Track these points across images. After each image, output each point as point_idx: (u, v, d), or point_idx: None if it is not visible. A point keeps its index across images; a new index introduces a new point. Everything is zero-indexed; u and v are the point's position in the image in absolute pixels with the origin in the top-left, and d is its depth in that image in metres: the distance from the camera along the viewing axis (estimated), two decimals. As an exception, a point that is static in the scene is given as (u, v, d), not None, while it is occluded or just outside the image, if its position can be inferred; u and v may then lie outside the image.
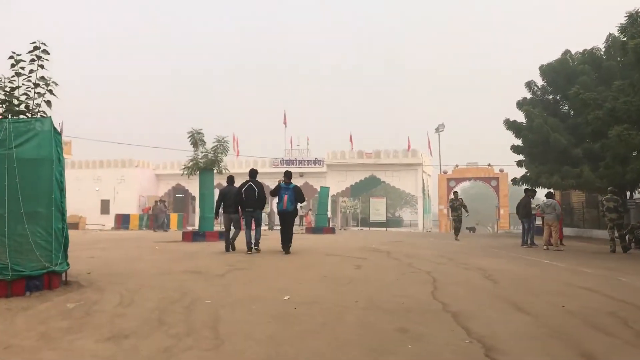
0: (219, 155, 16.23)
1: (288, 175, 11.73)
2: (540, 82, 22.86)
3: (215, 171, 16.45)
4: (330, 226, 27.66)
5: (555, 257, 11.93)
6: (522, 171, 25.88)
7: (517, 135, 22.28)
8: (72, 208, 39.21)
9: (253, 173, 11.79)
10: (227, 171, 16.74)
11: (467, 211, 19.13)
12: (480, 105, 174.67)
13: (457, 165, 40.62)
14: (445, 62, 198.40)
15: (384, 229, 37.51)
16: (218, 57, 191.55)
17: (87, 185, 42.74)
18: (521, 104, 22.25)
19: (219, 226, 15.61)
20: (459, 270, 9.08)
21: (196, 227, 42.27)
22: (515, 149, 23.73)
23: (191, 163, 16.29)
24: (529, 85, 22.82)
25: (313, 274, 8.38)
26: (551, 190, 16.58)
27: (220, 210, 12.35)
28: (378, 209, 39.21)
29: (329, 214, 31.41)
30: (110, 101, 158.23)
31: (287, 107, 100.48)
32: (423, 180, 39.67)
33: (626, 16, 12.93)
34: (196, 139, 16.30)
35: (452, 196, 19.38)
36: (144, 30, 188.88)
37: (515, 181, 24.01)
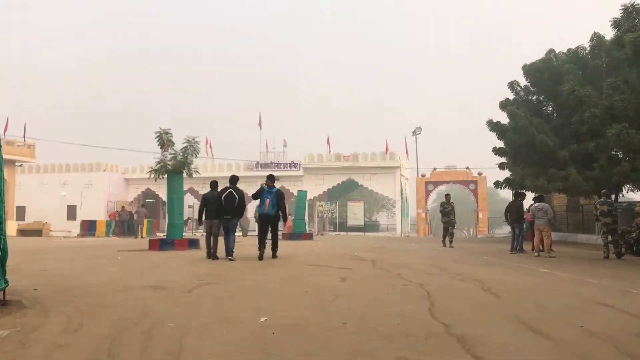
0: (188, 157, 15.13)
1: (271, 178, 11.63)
2: (523, 82, 22.28)
3: (184, 174, 15.34)
4: (308, 231, 26.65)
5: (550, 264, 11.16)
6: (504, 174, 25.32)
7: (501, 137, 21.65)
8: (37, 214, 37.75)
9: (234, 180, 11.72)
10: (197, 174, 15.69)
11: (454, 219, 18.05)
12: (457, 108, 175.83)
13: (435, 169, 40.05)
14: (422, 64, 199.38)
15: (362, 233, 36.73)
16: (189, 56, 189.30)
17: (52, 190, 41.07)
18: (504, 105, 21.62)
19: (191, 233, 14.70)
20: (454, 282, 8.20)
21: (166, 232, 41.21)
22: (497, 151, 23.12)
23: (159, 165, 15.16)
24: (512, 85, 22.22)
25: (294, 289, 7.41)
26: (542, 194, 15.85)
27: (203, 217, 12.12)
28: (356, 213, 38.35)
29: (306, 218, 30.45)
30: (74, 100, 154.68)
31: (262, 108, 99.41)
32: (401, 183, 39.00)
33: (621, 9, 12.30)
34: (164, 140, 15.18)
35: (443, 199, 18.08)
36: (111, 25, 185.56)
37: (497, 184, 23.38)
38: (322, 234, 35.73)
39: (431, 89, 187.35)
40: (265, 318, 5.48)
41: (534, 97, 22.36)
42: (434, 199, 42.96)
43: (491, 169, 39.33)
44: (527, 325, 5.21)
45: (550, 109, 21.93)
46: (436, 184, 39.86)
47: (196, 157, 15.41)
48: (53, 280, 8.08)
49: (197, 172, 15.50)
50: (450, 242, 17.26)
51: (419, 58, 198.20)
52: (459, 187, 42.02)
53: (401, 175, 39.09)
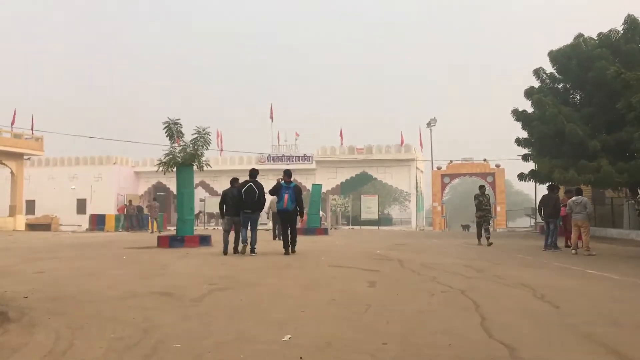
0: (199, 148, 14.24)
1: (288, 174, 11.52)
2: (549, 69, 21.15)
3: (195, 167, 14.46)
4: (322, 226, 25.79)
5: (596, 264, 10.17)
6: (526, 166, 24.25)
7: (526, 127, 20.58)
8: (46, 208, 37.22)
9: (254, 173, 11.45)
10: (209, 167, 14.81)
11: (490, 214, 16.22)
12: (475, 99, 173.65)
13: (451, 161, 38.96)
14: (437, 55, 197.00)
15: (376, 227, 35.81)
16: (201, 49, 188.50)
17: (62, 183, 40.51)
18: (530, 93, 20.50)
19: (202, 227, 13.88)
20: (499, 287, 7.24)
21: (178, 227, 40.49)
22: (520, 142, 22.05)
23: (167, 158, 14.28)
24: (537, 73, 21.09)
25: (318, 296, 6.49)
26: (578, 187, 14.77)
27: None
28: (369, 206, 37.39)
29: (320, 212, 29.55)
30: (84, 93, 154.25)
31: (273, 100, 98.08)
32: (416, 176, 37.97)
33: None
34: (173, 131, 14.29)
35: (477, 191, 16.17)
36: (122, 19, 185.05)
37: (522, 177, 22.31)
38: (335, 228, 34.85)
39: (445, 79, 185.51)
40: (289, 336, 4.59)
41: (561, 85, 21.24)
42: (446, 191, 41.91)
43: (510, 160, 38.30)
44: (608, 348, 4.27)
45: (578, 97, 20.79)
46: (452, 176, 38.80)
47: (207, 149, 14.53)
48: (48, 286, 7.22)
49: (208, 164, 14.63)
50: (488, 238, 15.15)
51: (435, 47, 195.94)
52: (470, 181, 41.01)
53: (416, 168, 38.05)
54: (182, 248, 13.31)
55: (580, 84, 19.92)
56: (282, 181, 11.41)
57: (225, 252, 11.34)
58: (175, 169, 14.34)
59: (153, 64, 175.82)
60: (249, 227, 11.33)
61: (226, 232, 11.73)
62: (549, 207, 13.46)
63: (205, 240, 14.07)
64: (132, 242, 16.55)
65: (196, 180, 41.34)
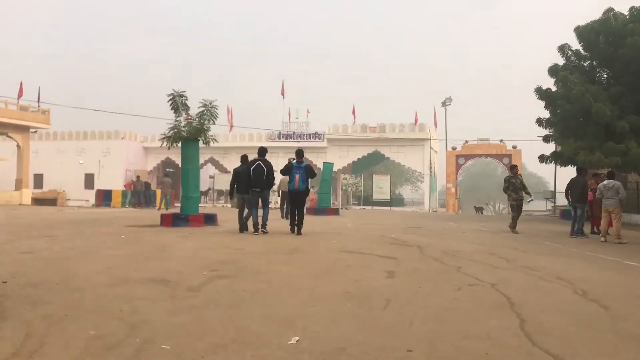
0: (205, 122, 13.48)
1: (299, 154, 11.49)
2: (575, 46, 20.06)
3: (201, 142, 13.72)
4: (333, 206, 25.07)
5: (630, 254, 9.35)
6: (546, 148, 23.31)
7: (549, 106, 19.59)
8: (54, 182, 36.77)
9: (262, 151, 11.44)
10: (215, 142, 14.06)
11: (529, 194, 14.52)
12: (492, 78, 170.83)
13: (466, 141, 37.96)
14: (453, 32, 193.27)
15: (388, 208, 35.08)
16: (212, 23, 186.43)
17: (70, 158, 39.99)
18: (554, 71, 19.48)
19: (211, 204, 13.26)
20: (533, 280, 6.46)
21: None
22: (542, 122, 21.05)
23: (172, 132, 13.55)
24: (562, 49, 19.99)
25: (331, 288, 5.76)
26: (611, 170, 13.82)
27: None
28: (381, 187, 36.56)
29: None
30: (92, 65, 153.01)
31: (285, 76, 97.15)
32: (430, 156, 37.04)
33: None
34: (178, 103, 13.52)
35: (509, 173, 14.52)
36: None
37: (543, 159, 21.35)
38: (346, 208, 34.15)
39: (462, 58, 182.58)
40: (297, 338, 3.90)
41: (587, 63, 20.14)
42: (459, 173, 40.90)
43: (527, 142, 37.23)
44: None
45: (605, 75, 19.72)
46: (467, 157, 37.83)
47: (214, 123, 13.76)
48: (33, 268, 6.56)
49: (215, 139, 13.86)
50: (514, 227, 13.57)
51: (450, 25, 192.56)
52: (482, 162, 39.99)
53: (430, 148, 37.09)
54: (186, 227, 12.64)
55: (609, 61, 18.85)
56: (294, 161, 11.36)
57: (241, 230, 11.46)
58: (180, 144, 13.62)
59: (163, 35, 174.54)
60: (260, 205, 11.32)
61: (240, 211, 11.72)
62: (576, 192, 12.60)
63: (210, 219, 13.38)
64: (136, 220, 15.93)
65: (205, 156, 40.81)
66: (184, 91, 13.66)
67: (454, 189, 37.68)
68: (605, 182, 11.73)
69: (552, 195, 31.46)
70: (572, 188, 12.73)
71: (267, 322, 4.32)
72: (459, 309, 4.93)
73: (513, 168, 14.76)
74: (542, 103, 20.27)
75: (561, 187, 31.79)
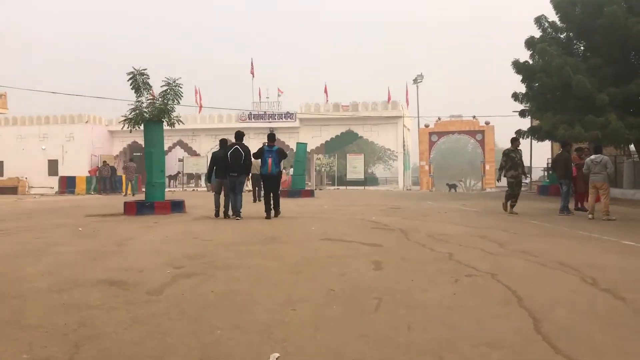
0: (169, 102, 12.57)
1: (271, 137, 11.49)
2: (552, 17, 19.53)
3: (165, 124, 12.82)
4: (307, 187, 24.37)
5: (625, 232, 8.88)
6: (520, 123, 23.02)
7: (527, 80, 19.10)
8: (16, 169, 35.17)
9: (239, 135, 11.33)
10: (181, 124, 13.17)
11: (525, 174, 12.96)
12: (462, 54, 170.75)
13: (439, 118, 37.53)
14: (426, 6, 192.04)
15: (362, 187, 34.54)
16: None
17: (31, 144, 38.34)
18: (531, 43, 18.94)
19: (181, 188, 12.41)
20: (534, 268, 5.86)
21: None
22: (517, 97, 20.59)
23: (134, 113, 12.60)
24: (539, 21, 19.44)
25: (312, 284, 5.07)
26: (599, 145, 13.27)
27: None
28: (355, 166, 35.93)
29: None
30: (45, 47, 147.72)
31: (254, 55, 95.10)
32: (403, 134, 36.52)
33: None
34: (139, 82, 12.57)
35: (509, 146, 12.84)
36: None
37: (519, 134, 20.90)
38: (320, 189, 33.49)
39: (433, 33, 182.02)
40: (277, 355, 3.22)
41: (563, 35, 19.65)
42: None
43: (501, 117, 36.98)
44: None
45: (582, 47, 19.26)
46: (440, 134, 37.44)
47: (178, 103, 12.87)
48: (-31, 272, 5.71)
49: (180, 121, 12.97)
50: (512, 206, 12.37)
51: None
52: (452, 139, 39.68)
53: (404, 125, 36.55)
54: (152, 216, 11.80)
55: (586, 33, 18.37)
56: (265, 145, 11.35)
57: (217, 215, 11.37)
58: (142, 126, 12.70)
59: (126, 12, 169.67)
60: (235, 191, 11.21)
61: (217, 194, 11.64)
62: (561, 168, 12.12)
63: (177, 206, 12.54)
64: (99, 208, 14.99)
65: (173, 139, 39.60)
66: (145, 69, 12.72)
67: (427, 167, 37.33)
68: (592, 156, 11.23)
69: (528, 171, 31.28)
70: (557, 164, 12.24)
71: (239, 334, 3.62)
72: (461, 307, 4.29)
73: (514, 141, 13.01)
74: (517, 78, 19.80)
75: (537, 162, 31.84)
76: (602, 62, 17.38)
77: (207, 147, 38.77)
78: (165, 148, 39.75)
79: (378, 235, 8.19)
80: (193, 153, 39.82)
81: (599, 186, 10.94)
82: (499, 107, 36.76)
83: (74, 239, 8.11)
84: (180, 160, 39.25)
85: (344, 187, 35.22)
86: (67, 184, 28.86)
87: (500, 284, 5.06)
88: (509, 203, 12.43)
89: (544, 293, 4.76)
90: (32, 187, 35.72)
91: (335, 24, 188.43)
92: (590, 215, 11.11)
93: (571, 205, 12.92)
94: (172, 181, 40.92)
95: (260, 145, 11.74)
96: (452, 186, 37.13)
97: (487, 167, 35.87)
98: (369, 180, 39.33)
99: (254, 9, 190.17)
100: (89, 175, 29.80)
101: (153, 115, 12.51)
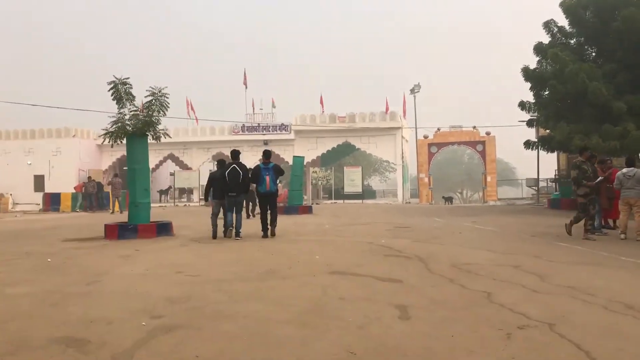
0: (154, 114, 11.43)
1: (267, 154, 11.38)
2: (561, 22, 18.58)
3: (150, 137, 11.67)
4: (305, 203, 23.17)
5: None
6: (522, 133, 22.05)
7: (536, 87, 18.11)
8: (0, 185, 33.77)
9: (236, 154, 11.06)
10: (168, 137, 12.03)
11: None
12: (461, 64, 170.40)
13: (438, 129, 36.48)
14: (424, 16, 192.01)
15: (360, 201, 33.40)
16: (167, 9, 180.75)
17: (17, 158, 36.94)
18: (541, 49, 17.97)
19: (172, 204, 11.19)
20: (599, 313, 4.70)
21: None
22: (525, 105, 19.57)
23: (115, 126, 11.46)
24: (548, 26, 18.47)
25: (326, 346, 3.91)
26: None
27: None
28: (353, 179, 34.79)
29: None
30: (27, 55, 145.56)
31: (247, 66, 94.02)
32: (402, 146, 35.45)
33: None
34: (121, 92, 11.43)
35: (580, 157, 10.71)
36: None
37: (528, 144, 19.90)
38: (317, 203, 32.31)
39: (432, 43, 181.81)
40: None
41: (573, 40, 18.69)
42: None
43: (501, 127, 36.00)
44: None
45: (594, 53, 18.30)
46: (440, 145, 36.34)
47: (164, 114, 11.73)
48: None
49: (167, 134, 11.83)
50: (590, 230, 10.29)
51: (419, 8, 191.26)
52: (448, 150, 38.59)
53: (402, 137, 35.48)
54: (135, 240, 10.59)
55: (598, 37, 17.42)
56: (260, 162, 11.19)
57: (214, 237, 10.90)
58: (125, 141, 11.55)
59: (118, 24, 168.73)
60: (234, 211, 10.86)
61: (214, 216, 11.19)
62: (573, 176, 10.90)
63: (164, 228, 11.32)
64: (79, 230, 13.77)
65: (164, 153, 38.37)
66: (128, 78, 11.58)
67: (426, 179, 36.21)
68: (624, 170, 10.12)
69: (536, 183, 30.23)
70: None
71: None
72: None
73: (584, 151, 10.94)
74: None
75: (545, 173, 30.76)
76: (617, 68, 16.40)
77: (199, 160, 37.60)
78: (156, 162, 39.11)
79: (394, 266, 7.03)
80: (185, 167, 38.60)
81: (633, 203, 9.82)
82: (500, 118, 35.84)
83: (38, 274, 6.90)
84: (172, 174, 38.01)
85: (341, 201, 34.05)
86: (52, 201, 27.57)
87: (565, 340, 3.94)
88: (570, 222, 10.52)
89: (628, 354, 3.64)
90: (17, 203, 34.36)
91: (330, 32, 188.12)
92: (622, 236, 9.98)
93: (579, 223, 11.78)
94: (163, 196, 39.68)
95: (255, 159, 11.31)
96: (448, 199, 35.83)
97: (489, 178, 34.78)
98: (367, 193, 38.15)
99: (247, 19, 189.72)
100: (74, 191, 28.42)
101: (136, 128, 11.37)
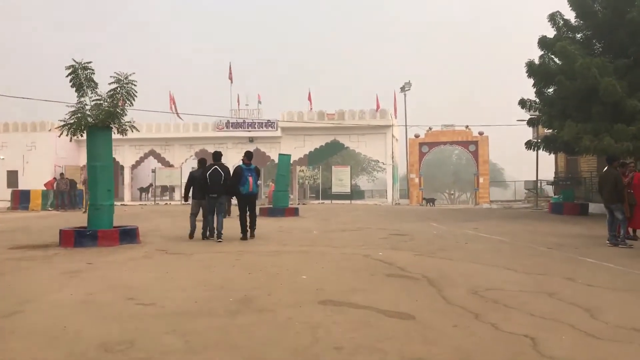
0: (118, 104, 9.98)
1: (249, 155, 11.19)
2: (567, 15, 17.37)
3: (114, 130, 10.20)
4: (291, 204, 21.72)
5: None
6: (516, 133, 20.85)
7: (540, 84, 16.87)
8: (-30, 181, 31.73)
9: (218, 156, 10.90)
10: (135, 130, 10.55)
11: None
12: (454, 62, 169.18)
13: (430, 128, 35.22)
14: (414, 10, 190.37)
15: (349, 201, 32.09)
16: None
17: (-12, 153, 35.08)
18: (546, 43, 16.73)
19: (153, 202, 9.71)
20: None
21: (126, 201, 35.64)
22: (525, 104, 18.35)
23: (74, 117, 9.97)
24: (553, 18, 17.21)
25: None
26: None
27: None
28: (341, 179, 33.45)
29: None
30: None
31: (232, 59, 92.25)
32: (392, 145, 34.15)
33: None
34: (81, 78, 9.95)
35: (611, 165, 10.05)
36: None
37: (530, 145, 18.68)
38: (304, 204, 30.95)
39: (421, 39, 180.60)
40: None
41: (580, 35, 17.48)
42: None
43: (495, 126, 34.86)
44: None
45: (602, 49, 17.09)
46: (431, 145, 35.09)
47: (132, 104, 10.28)
48: None
49: (134, 127, 10.34)
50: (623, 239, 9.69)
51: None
52: (436, 150, 37.33)
53: (392, 135, 34.17)
54: (94, 248, 9.13)
55: (607, 31, 16.22)
56: (242, 164, 10.97)
57: (191, 236, 10.73)
58: (85, 134, 10.07)
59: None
60: (215, 212, 10.60)
61: (193, 215, 11.03)
62: (608, 189, 9.69)
63: (128, 235, 9.81)
64: (38, 233, 12.27)
65: (145, 149, 36.70)
66: (90, 62, 10.09)
67: (417, 179, 34.94)
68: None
69: (534, 185, 29.01)
70: (605, 184, 9.78)
71: None
72: None
73: (614, 160, 10.24)
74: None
75: (544, 175, 29.58)
76: (630, 63, 15.22)
77: (182, 157, 36.03)
78: (137, 158, 37.47)
79: (400, 292, 5.66)
80: (166, 164, 37.00)
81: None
82: (491, 117, 34.62)
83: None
84: (153, 171, 36.40)
85: (328, 201, 32.71)
86: (21, 199, 25.84)
87: None
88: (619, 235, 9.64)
89: None
90: (-15, 200, 32.56)
91: (319, 27, 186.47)
92: (652, 249, 8.75)
93: (591, 230, 10.56)
94: (144, 194, 38.09)
95: (239, 156, 11.51)
96: (430, 200, 34.02)
97: (482, 180, 33.59)
98: (355, 193, 36.70)
99: (234, 11, 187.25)
100: (44, 189, 26.66)
101: (98, 119, 9.89)
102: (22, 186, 32.38)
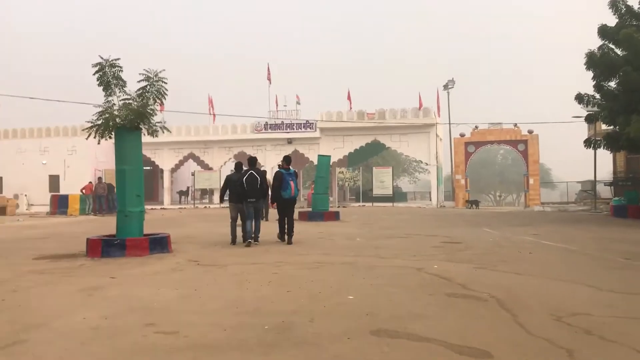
0: (149, 103, 9.34)
1: (288, 160, 11.37)
2: (629, 1, 15.99)
3: (144, 131, 9.57)
4: (331, 207, 20.88)
5: None
6: (565, 131, 19.44)
7: (604, 76, 15.57)
8: (15, 186, 32.24)
9: (253, 161, 11.05)
10: (166, 132, 9.93)
11: None
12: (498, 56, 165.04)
13: (476, 127, 33.83)
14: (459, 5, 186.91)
15: (391, 204, 31.10)
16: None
17: (32, 158, 35.54)
18: (607, 31, 15.44)
19: (192, 205, 8.96)
20: None
21: (165, 205, 35.49)
22: (582, 99, 17.02)
23: (102, 118, 9.39)
24: (615, 5, 15.90)
25: None
26: None
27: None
28: (383, 180, 32.51)
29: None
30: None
31: (271, 60, 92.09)
32: (436, 145, 32.95)
33: None
34: (109, 77, 9.35)
35: None
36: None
37: (589, 143, 17.35)
38: (344, 206, 30.16)
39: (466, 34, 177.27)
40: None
41: (644, 22, 16.08)
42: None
43: (548, 124, 33.16)
44: None
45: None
46: (478, 144, 33.71)
47: (162, 103, 9.65)
48: None
49: (165, 128, 9.70)
50: None
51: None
52: (485, 149, 35.82)
53: (436, 135, 32.96)
54: (122, 259, 8.49)
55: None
56: (281, 168, 11.15)
57: (233, 242, 10.75)
58: (113, 135, 9.47)
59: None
60: (253, 217, 10.64)
61: (233, 220, 10.99)
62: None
63: (159, 244, 9.14)
64: (68, 241, 11.79)
65: (185, 152, 36.50)
66: (118, 59, 9.48)
67: (463, 181, 33.61)
68: None
69: (593, 187, 27.34)
70: None
71: None
72: None
73: None
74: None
75: (602, 175, 27.89)
76: None
77: (221, 160, 35.73)
78: (176, 161, 37.31)
79: (466, 318, 4.72)
80: (206, 167, 36.77)
81: None
82: (544, 114, 33.02)
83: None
84: (193, 174, 36.22)
85: (369, 204, 31.78)
86: (59, 204, 25.78)
87: None
88: None
89: None
90: (32, 205, 32.86)
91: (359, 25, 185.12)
92: None
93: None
94: (183, 197, 38.02)
95: (278, 159, 11.08)
96: (474, 202, 32.43)
97: (532, 181, 32.01)
98: (397, 195, 35.58)
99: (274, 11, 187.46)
100: (82, 193, 26.54)
101: (127, 120, 9.27)
102: (63, 190, 32.57)
